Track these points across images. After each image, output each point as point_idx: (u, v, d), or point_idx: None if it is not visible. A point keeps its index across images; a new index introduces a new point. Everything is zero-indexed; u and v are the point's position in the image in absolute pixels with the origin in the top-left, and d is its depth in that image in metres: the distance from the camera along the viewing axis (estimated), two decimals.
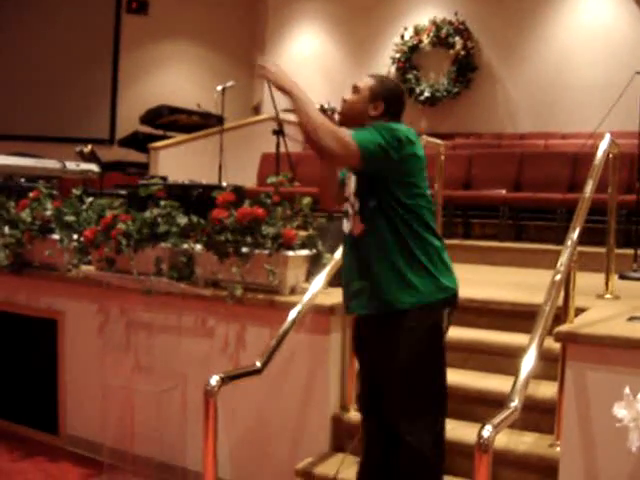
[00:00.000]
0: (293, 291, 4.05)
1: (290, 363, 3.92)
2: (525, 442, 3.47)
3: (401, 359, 2.83)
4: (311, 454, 3.81)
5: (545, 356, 3.16)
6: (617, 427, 2.31)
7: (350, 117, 2.92)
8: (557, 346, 3.28)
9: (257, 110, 12.05)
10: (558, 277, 3.17)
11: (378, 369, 2.96)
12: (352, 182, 2.96)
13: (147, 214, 4.43)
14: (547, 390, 3.54)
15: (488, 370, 4.01)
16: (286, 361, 3.87)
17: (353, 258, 2.94)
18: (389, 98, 2.95)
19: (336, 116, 2.91)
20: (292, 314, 3.54)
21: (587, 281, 3.99)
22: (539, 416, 3.50)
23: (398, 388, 2.85)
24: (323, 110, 2.84)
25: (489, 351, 4.06)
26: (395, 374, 2.85)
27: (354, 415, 3.84)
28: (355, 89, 2.95)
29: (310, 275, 4.05)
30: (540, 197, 7.21)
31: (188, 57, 12.51)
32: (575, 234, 3.42)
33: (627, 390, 2.28)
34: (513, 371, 2.83)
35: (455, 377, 3.96)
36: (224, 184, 5.82)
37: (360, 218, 2.90)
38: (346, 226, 2.99)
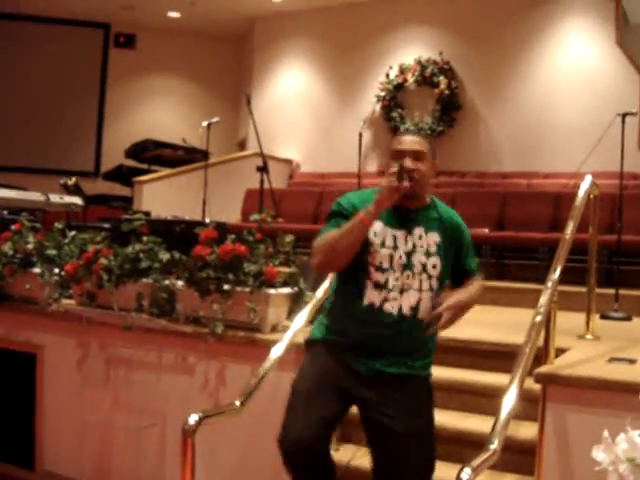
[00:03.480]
0: (274, 329, 4.03)
1: (272, 401, 3.89)
2: None
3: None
4: None
5: (525, 396, 3.15)
6: (596, 470, 2.30)
7: (425, 186, 2.81)
8: (537, 387, 3.28)
9: (242, 146, 12.09)
10: (538, 318, 3.18)
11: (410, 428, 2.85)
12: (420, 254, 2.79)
13: (129, 249, 4.41)
14: (527, 431, 3.53)
15: (469, 410, 3.99)
16: (268, 399, 3.84)
17: (385, 326, 2.77)
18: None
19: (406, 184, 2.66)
20: (273, 352, 3.52)
21: (568, 321, 4.00)
22: (519, 457, 3.48)
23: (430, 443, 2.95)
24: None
25: (470, 391, 4.05)
26: (428, 428, 2.95)
27: (334, 455, 3.81)
28: (421, 155, 2.75)
29: (292, 313, 4.04)
30: (522, 236, 7.25)
31: (174, 92, 12.57)
32: (556, 274, 3.43)
33: (606, 433, 2.27)
34: (494, 411, 2.83)
35: (436, 417, 3.94)
36: (207, 220, 5.82)
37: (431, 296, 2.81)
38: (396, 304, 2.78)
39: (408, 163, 2.68)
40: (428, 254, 2.78)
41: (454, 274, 2.93)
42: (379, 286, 2.73)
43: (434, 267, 2.78)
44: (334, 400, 2.79)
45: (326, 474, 2.86)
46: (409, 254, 2.75)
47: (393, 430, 2.78)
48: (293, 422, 2.76)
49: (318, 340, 2.92)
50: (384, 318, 2.74)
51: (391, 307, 2.74)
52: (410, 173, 2.67)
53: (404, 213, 2.79)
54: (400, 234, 2.77)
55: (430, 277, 2.77)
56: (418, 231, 2.79)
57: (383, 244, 2.75)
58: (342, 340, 2.83)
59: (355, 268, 2.74)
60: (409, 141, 2.77)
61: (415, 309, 2.76)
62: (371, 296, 2.75)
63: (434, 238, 2.81)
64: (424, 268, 2.76)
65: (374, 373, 2.79)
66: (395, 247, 2.75)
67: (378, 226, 2.74)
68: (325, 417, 2.75)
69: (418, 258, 2.76)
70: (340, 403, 2.82)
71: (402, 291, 2.74)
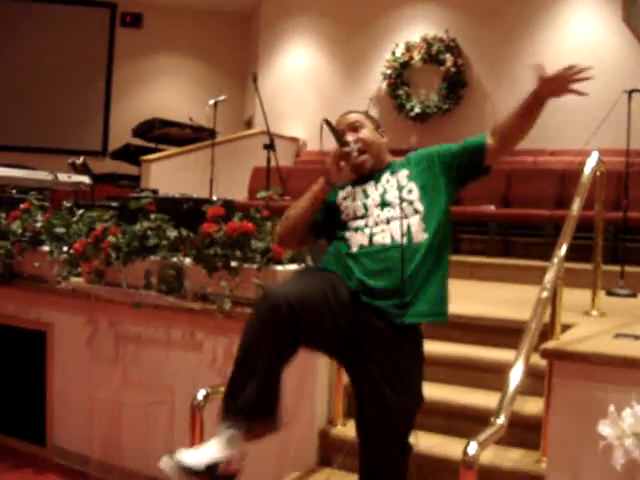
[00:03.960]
0: None
1: None
2: (511, 458, 3.49)
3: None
4: (297, 469, 3.81)
5: (531, 372, 3.17)
6: (602, 445, 2.33)
7: (377, 151, 2.87)
8: (543, 362, 3.30)
9: (248, 124, 12.07)
10: (545, 294, 3.20)
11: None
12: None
13: (137, 227, 4.44)
14: (533, 406, 3.56)
15: (474, 385, 4.03)
16: None
17: (382, 258, 2.63)
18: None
19: (361, 158, 2.78)
20: None
21: (574, 297, 4.01)
22: (525, 432, 3.52)
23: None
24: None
25: (475, 366, 4.08)
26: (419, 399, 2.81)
27: (341, 430, 3.86)
28: (357, 124, 2.88)
29: None
30: (528, 213, 7.25)
31: (181, 71, 12.55)
32: (562, 251, 3.45)
33: (612, 408, 2.30)
34: (499, 387, 2.85)
35: (441, 392, 3.98)
36: (214, 198, 5.84)
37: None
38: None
39: (350, 137, 2.78)
40: (400, 187, 2.74)
41: (478, 157, 2.92)
42: (361, 229, 2.69)
43: (410, 192, 2.72)
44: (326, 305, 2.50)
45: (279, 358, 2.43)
46: (382, 195, 2.74)
47: (385, 401, 2.61)
48: (284, 285, 2.58)
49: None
50: (380, 251, 2.64)
51: (382, 238, 2.66)
52: (342, 134, 2.77)
53: (368, 175, 2.81)
54: (368, 185, 2.78)
55: (411, 202, 2.70)
56: (385, 177, 2.79)
57: (354, 199, 2.76)
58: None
59: (335, 233, 2.76)
60: (344, 117, 2.91)
61: (408, 235, 2.65)
62: (357, 240, 2.69)
63: (403, 174, 2.79)
64: (401, 198, 2.70)
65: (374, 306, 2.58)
66: (366, 196, 2.76)
67: (346, 190, 2.80)
68: (316, 304, 2.44)
69: (392, 194, 2.73)
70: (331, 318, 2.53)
71: (388, 221, 2.68)
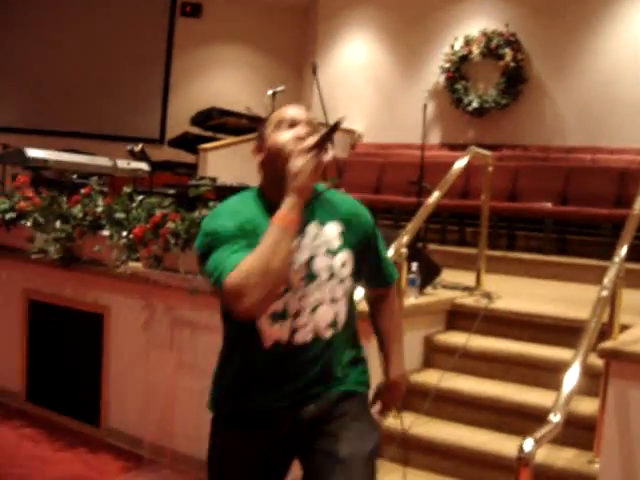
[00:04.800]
0: None
1: None
2: (564, 457, 3.47)
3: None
4: None
5: (587, 372, 3.15)
6: None
7: None
8: (600, 362, 3.28)
9: None
10: (605, 293, 3.18)
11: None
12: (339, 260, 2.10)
13: (196, 214, 4.49)
14: (588, 406, 3.53)
15: (528, 383, 4.02)
16: None
17: (304, 360, 2.10)
18: None
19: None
20: None
21: (633, 298, 3.97)
22: (579, 432, 3.50)
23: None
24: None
25: (530, 364, 4.07)
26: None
27: (396, 420, 3.87)
28: (316, 126, 2.11)
29: None
30: (586, 212, 7.16)
31: (239, 60, 12.63)
32: (623, 250, 3.42)
33: None
34: (554, 385, 2.84)
35: (495, 389, 3.98)
36: None
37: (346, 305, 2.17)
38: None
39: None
40: (331, 252, 2.08)
41: (369, 275, 2.29)
42: (278, 316, 2.05)
43: (343, 265, 2.10)
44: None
45: None
46: (309, 262, 2.06)
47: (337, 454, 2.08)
48: None
49: (218, 416, 2.27)
50: (299, 354, 2.08)
51: (303, 336, 2.07)
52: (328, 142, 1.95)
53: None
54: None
55: (342, 280, 2.10)
56: (312, 229, 2.07)
57: None
58: (252, 405, 2.16)
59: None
60: (297, 110, 2.13)
61: (334, 324, 2.11)
62: (273, 333, 2.06)
63: (334, 229, 2.11)
64: (331, 273, 2.08)
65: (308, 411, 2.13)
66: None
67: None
68: None
69: (320, 262, 2.07)
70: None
71: (313, 310, 2.07)
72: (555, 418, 2.54)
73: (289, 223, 1.87)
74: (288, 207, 1.88)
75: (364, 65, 11.67)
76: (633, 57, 9.45)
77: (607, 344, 3.22)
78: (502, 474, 3.40)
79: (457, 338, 4.40)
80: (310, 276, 2.05)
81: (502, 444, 3.60)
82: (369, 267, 2.24)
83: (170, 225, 4.48)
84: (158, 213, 4.66)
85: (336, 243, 2.09)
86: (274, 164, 2.04)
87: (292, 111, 2.11)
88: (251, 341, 2.08)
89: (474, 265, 5.29)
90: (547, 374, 3.83)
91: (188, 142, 9.84)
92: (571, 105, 9.86)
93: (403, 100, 10.77)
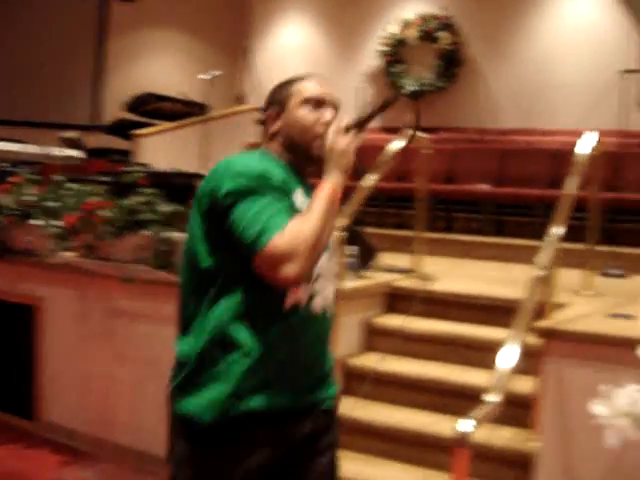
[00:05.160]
0: None
1: None
2: (503, 436, 3.50)
3: None
4: None
5: (524, 351, 3.17)
6: (589, 423, 2.32)
7: None
8: (536, 341, 3.31)
9: (240, 100, 11.99)
10: (540, 273, 3.20)
11: None
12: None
13: (129, 201, 4.40)
14: (526, 385, 3.56)
15: (469, 364, 4.04)
16: None
17: (314, 336, 1.96)
18: None
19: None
20: None
21: (568, 278, 4.02)
22: (517, 411, 3.52)
23: None
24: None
25: (470, 345, 4.09)
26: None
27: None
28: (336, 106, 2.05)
29: None
30: (521, 193, 7.22)
31: (174, 45, 12.43)
32: (557, 230, 3.44)
33: (604, 387, 2.29)
34: (492, 365, 2.85)
35: (436, 371, 4.00)
36: (206, 173, 5.78)
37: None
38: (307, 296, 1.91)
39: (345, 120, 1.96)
40: None
41: None
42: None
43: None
44: None
45: None
46: None
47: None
48: None
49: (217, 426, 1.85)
50: (312, 325, 1.95)
51: (317, 304, 1.94)
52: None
53: (301, 178, 2.01)
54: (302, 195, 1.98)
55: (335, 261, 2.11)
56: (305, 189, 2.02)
57: None
58: (279, 400, 1.88)
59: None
60: (325, 88, 2.04)
61: (332, 303, 2.03)
62: (296, 292, 1.88)
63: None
64: (333, 249, 2.06)
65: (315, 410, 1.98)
66: None
67: (300, 199, 1.92)
68: None
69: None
70: None
71: (327, 279, 1.99)
72: (494, 398, 2.55)
73: (337, 200, 1.84)
74: (336, 184, 1.85)
75: (300, 48, 11.60)
76: (567, 41, 9.58)
77: (543, 323, 3.25)
78: (443, 455, 3.41)
79: (396, 321, 4.39)
80: (327, 245, 1.91)
81: (443, 425, 3.61)
82: None
83: (103, 213, 4.39)
84: (91, 201, 4.56)
85: None
86: (292, 137, 1.97)
87: (320, 90, 2.02)
88: (269, 307, 1.85)
89: (413, 248, 5.29)
90: (487, 354, 3.83)
91: (123, 128, 9.67)
92: (506, 88, 9.97)
93: (340, 83, 10.71)
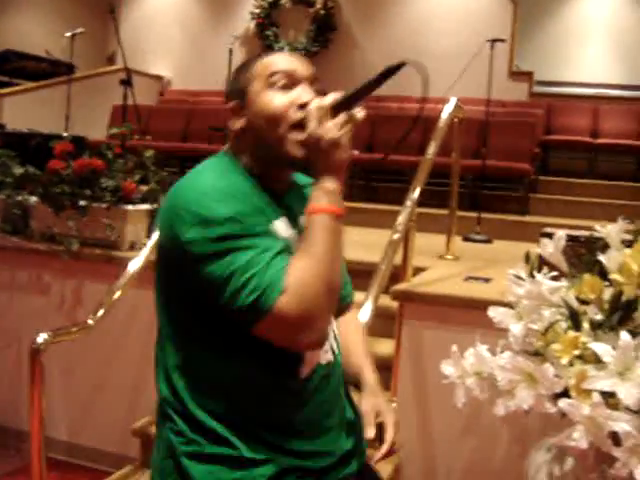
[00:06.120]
0: (133, 247, 3.93)
1: (131, 320, 3.82)
2: None
3: None
4: (149, 413, 3.73)
5: (383, 314, 3.19)
6: (444, 383, 2.35)
7: None
8: (395, 304, 3.33)
9: (111, 60, 11.61)
10: (396, 236, 3.21)
11: None
12: None
13: None
14: (385, 347, 3.59)
15: None
16: (128, 317, 3.77)
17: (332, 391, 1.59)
18: None
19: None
20: (130, 268, 3.43)
21: (430, 242, 4.07)
22: (380, 373, 3.54)
23: None
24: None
25: None
26: None
27: None
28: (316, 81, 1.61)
29: (151, 231, 3.93)
30: (391, 159, 7.29)
31: (38, 1, 11.90)
32: (415, 194, 3.47)
33: (454, 348, 2.32)
34: None
35: None
36: (64, 134, 5.59)
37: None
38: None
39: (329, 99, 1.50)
40: None
41: None
42: None
43: None
44: None
45: None
46: None
47: None
48: None
49: None
50: (329, 383, 1.57)
51: (325, 352, 1.55)
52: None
53: (278, 198, 1.53)
54: (295, 234, 1.51)
55: None
56: (303, 221, 1.48)
57: None
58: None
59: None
60: (296, 61, 1.58)
61: (337, 345, 1.65)
62: (314, 355, 1.50)
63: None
64: None
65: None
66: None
67: (282, 227, 1.48)
68: None
69: None
70: None
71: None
72: None
73: (338, 216, 1.39)
74: (330, 193, 1.39)
75: (172, 8, 11.28)
76: (440, 8, 9.71)
77: (399, 286, 3.27)
78: None
79: None
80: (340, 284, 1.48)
81: None
82: None
83: None
84: None
85: None
86: (260, 134, 1.48)
87: (289, 62, 1.54)
88: (281, 374, 1.44)
89: None
90: None
91: None
92: (380, 54, 10.00)
93: (212, 46, 10.50)
